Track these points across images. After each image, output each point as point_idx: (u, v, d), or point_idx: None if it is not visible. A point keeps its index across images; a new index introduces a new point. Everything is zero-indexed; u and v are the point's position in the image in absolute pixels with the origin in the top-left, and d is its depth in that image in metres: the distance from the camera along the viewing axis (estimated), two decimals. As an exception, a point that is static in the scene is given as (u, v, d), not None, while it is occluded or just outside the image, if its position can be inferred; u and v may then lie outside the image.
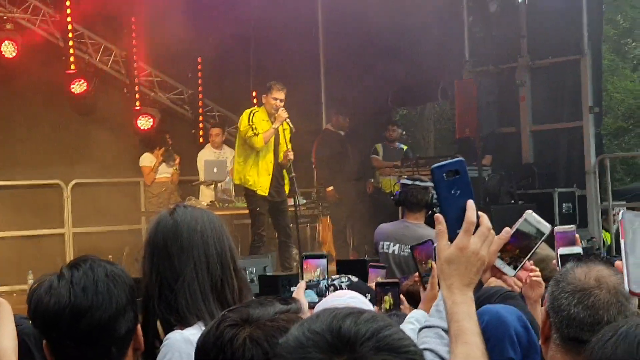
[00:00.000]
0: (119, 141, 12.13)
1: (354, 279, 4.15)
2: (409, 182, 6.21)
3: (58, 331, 2.16)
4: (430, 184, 5.97)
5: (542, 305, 2.62)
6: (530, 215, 2.05)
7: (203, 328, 2.37)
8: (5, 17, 11.69)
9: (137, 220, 11.95)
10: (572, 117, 11.58)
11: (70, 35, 11.99)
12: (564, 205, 10.98)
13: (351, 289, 3.56)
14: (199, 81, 13.16)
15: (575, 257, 2.73)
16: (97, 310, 2.14)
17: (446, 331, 1.95)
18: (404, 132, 13.88)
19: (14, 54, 11.50)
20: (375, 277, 4.21)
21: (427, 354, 1.93)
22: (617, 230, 1.88)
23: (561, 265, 3.18)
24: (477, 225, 1.92)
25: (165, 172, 11.71)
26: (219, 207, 10.65)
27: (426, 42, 11.28)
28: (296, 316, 1.91)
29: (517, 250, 2.03)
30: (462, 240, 1.91)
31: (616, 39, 22.45)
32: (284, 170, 9.44)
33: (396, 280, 4.04)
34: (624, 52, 23.24)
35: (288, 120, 9.16)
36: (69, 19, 11.98)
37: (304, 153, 11.16)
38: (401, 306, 3.61)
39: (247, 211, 9.71)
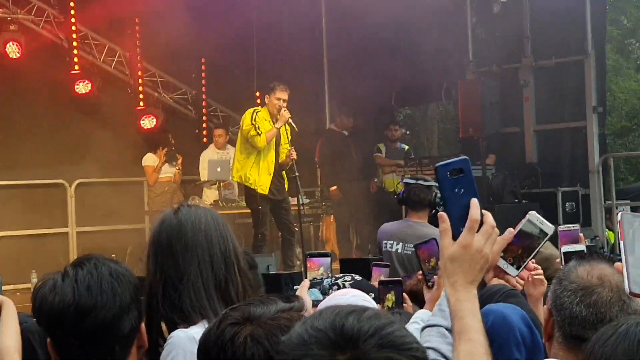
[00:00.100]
0: (123, 141, 12.14)
1: (358, 277, 4.14)
2: (413, 181, 6.21)
3: (62, 330, 2.16)
4: (433, 183, 5.97)
5: (544, 304, 2.62)
6: (534, 215, 2.06)
7: (207, 326, 2.37)
8: (9, 19, 11.71)
9: (140, 220, 11.97)
10: (576, 117, 11.56)
11: (74, 36, 12.02)
12: (567, 204, 10.97)
13: (355, 288, 3.55)
14: (203, 81, 13.17)
15: (579, 255, 2.73)
16: (102, 309, 2.14)
17: (449, 330, 1.95)
18: (407, 132, 13.87)
19: (18, 55, 11.55)
20: (379, 276, 4.21)
21: (429, 353, 1.92)
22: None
23: (565, 263, 3.19)
24: (481, 223, 1.92)
25: (168, 172, 11.73)
26: (222, 206, 10.66)
27: (429, 42, 11.26)
28: (298, 314, 1.91)
29: (520, 250, 2.03)
30: (466, 238, 1.91)
31: (620, 39, 22.45)
32: (283, 172, 9.45)
33: (399, 278, 4.04)
34: (628, 52, 23.23)
35: (290, 120, 9.16)
36: (73, 20, 12.01)
37: (307, 152, 11.16)
38: (404, 305, 3.61)
39: (249, 210, 9.71)
